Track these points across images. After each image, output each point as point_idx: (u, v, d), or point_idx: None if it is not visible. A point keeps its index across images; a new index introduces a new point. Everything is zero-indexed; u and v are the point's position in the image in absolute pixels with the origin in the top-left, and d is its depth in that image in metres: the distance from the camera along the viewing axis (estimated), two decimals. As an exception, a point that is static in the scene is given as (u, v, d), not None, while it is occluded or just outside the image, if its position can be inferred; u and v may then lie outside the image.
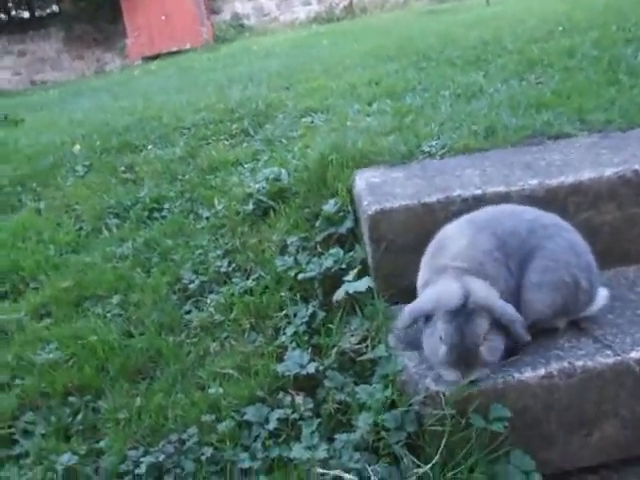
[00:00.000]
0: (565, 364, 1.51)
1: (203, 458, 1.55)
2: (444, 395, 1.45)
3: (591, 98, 2.77)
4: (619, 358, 1.52)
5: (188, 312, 2.15)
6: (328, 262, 1.97)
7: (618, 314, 1.70)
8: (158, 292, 2.22)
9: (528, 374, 1.49)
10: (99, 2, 12.22)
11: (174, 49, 11.59)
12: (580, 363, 1.51)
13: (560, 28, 4.63)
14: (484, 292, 1.48)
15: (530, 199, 1.84)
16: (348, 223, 2.10)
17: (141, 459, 1.57)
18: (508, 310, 1.49)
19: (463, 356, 1.44)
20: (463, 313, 1.44)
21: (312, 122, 3.38)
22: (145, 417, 1.71)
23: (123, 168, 3.29)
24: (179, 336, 2.03)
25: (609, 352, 1.54)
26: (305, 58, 6.35)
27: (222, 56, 9.25)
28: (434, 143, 2.46)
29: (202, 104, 4.10)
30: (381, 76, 4.13)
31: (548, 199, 1.86)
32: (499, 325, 1.48)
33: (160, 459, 1.55)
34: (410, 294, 1.83)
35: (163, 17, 11.70)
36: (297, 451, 1.47)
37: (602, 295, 1.67)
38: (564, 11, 5.58)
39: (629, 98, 2.71)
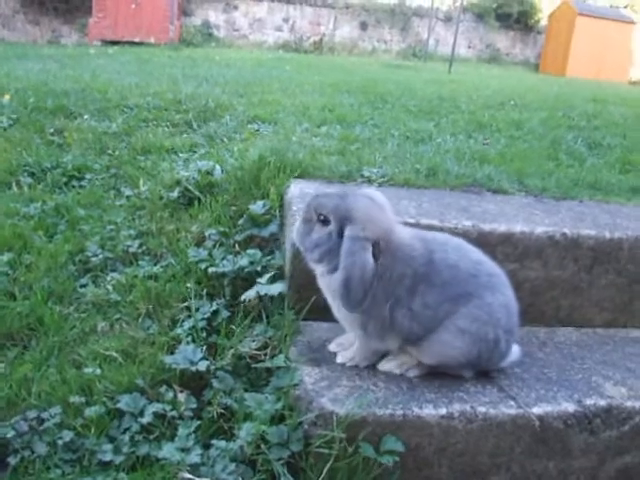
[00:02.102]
0: (467, 407, 1.45)
1: (60, 442, 1.37)
2: (337, 416, 1.35)
3: (532, 166, 2.84)
4: (521, 411, 1.48)
5: (84, 286, 1.96)
6: (243, 261, 1.85)
7: (525, 369, 1.68)
8: (56, 259, 2.02)
9: (428, 411, 1.42)
10: (69, -27, 11.83)
11: (137, 40, 11.30)
12: (482, 409, 1.46)
13: (512, 102, 4.82)
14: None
15: (462, 238, 1.81)
16: (272, 227, 2.00)
17: (-16, 433, 1.36)
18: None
19: None
20: None
21: (258, 130, 3.29)
22: (4, 387, 1.51)
23: (52, 130, 3.06)
24: (67, 308, 1.84)
25: (512, 403, 1.50)
26: (265, 76, 6.31)
27: (184, 57, 9.08)
28: (375, 171, 2.42)
29: (151, 90, 3.94)
30: (336, 105, 4.12)
31: (479, 243, 1.82)
32: None
33: (8, 436, 1.35)
34: (323, 312, 1.75)
35: (133, 5, 11.42)
36: (167, 451, 1.32)
37: (514, 350, 1.64)
38: (519, 91, 5.84)
39: (565, 174, 2.80)
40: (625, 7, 15.76)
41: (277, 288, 1.68)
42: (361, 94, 4.92)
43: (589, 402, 1.57)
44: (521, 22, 14.64)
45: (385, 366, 1.59)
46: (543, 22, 15.01)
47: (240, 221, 2.02)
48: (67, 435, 1.38)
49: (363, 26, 13.74)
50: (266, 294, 1.67)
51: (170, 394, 1.50)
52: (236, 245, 1.96)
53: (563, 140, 3.67)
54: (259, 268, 1.82)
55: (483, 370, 1.61)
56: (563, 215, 2.14)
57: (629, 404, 1.59)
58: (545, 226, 1.95)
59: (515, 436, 1.50)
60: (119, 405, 1.45)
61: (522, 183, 2.54)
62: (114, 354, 1.62)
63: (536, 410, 1.50)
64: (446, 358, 1.53)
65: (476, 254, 1.56)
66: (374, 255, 1.44)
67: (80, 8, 12.06)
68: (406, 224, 1.80)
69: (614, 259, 2.00)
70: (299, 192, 1.99)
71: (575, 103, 5.19)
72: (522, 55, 14.90)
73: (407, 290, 1.48)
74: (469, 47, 14.40)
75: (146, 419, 1.43)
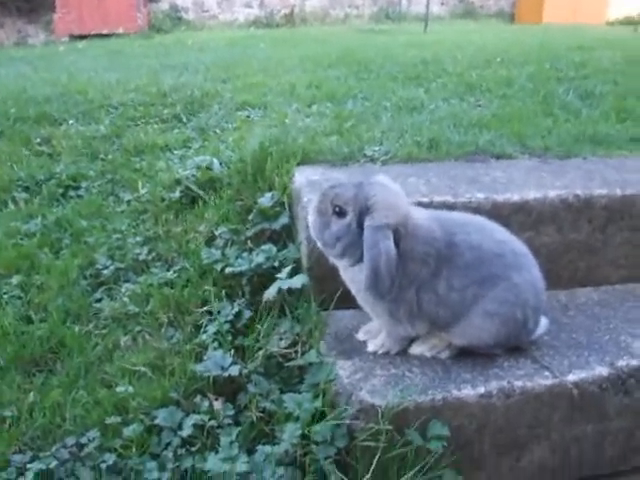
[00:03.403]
0: (504, 383, 1.45)
1: (103, 466, 1.35)
2: (380, 408, 1.35)
3: (530, 125, 2.81)
4: (557, 380, 1.48)
5: (99, 300, 1.93)
6: (259, 258, 1.82)
7: (554, 336, 1.68)
8: (67, 275, 1.98)
9: (467, 391, 1.42)
10: (28, -30, 11.47)
11: (105, 32, 11.03)
12: (519, 383, 1.46)
13: (498, 59, 4.75)
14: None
15: (476, 212, 1.79)
16: (283, 219, 1.96)
17: (28, 465, 1.34)
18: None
19: None
20: None
21: (248, 116, 3.23)
22: (38, 416, 1.49)
23: (39, 140, 2.99)
24: (86, 326, 1.81)
25: (547, 374, 1.50)
26: (242, 57, 6.18)
27: (155, 45, 8.89)
28: (376, 149, 2.38)
29: (132, 85, 3.85)
30: (321, 80, 4.05)
31: (493, 214, 1.80)
32: None
33: (51, 466, 1.33)
34: (344, 300, 1.73)
35: (97, -4, 11.13)
36: (213, 462, 1.31)
37: (542, 324, 1.63)
38: (502, 45, 5.76)
39: (565, 130, 2.77)
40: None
41: (299, 281, 1.65)
42: (343, 66, 4.83)
43: (621, 363, 1.57)
44: (492, -28, 14.39)
45: (416, 350, 1.58)
46: (514, -30, 14.75)
47: (250, 216, 1.98)
48: (109, 458, 1.36)
49: (333, -7, 13.47)
50: (289, 288, 1.64)
51: (206, 403, 1.49)
52: (248, 241, 1.94)
53: (555, 94, 3.63)
54: (276, 263, 1.79)
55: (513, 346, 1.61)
56: (572, 175, 2.11)
57: (661, 361, 1.59)
58: (557, 189, 1.93)
59: (552, 406, 1.50)
60: (157, 421, 1.44)
61: (524, 145, 2.51)
62: (143, 369, 1.60)
63: (571, 378, 1.51)
64: (477, 340, 1.53)
65: (500, 233, 1.54)
66: (395, 242, 1.42)
67: (43, 5, 11.72)
68: (419, 204, 1.78)
69: (627, 216, 1.99)
70: (306, 181, 1.95)
71: (560, 53, 5.13)
72: (496, 6, 14.68)
73: (431, 273, 1.46)
74: (442, 4, 14.16)
75: (186, 432, 1.42)
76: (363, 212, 1.43)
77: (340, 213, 1.46)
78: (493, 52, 5.28)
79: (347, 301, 1.76)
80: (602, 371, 1.54)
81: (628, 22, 13.79)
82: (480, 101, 3.46)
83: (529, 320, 1.53)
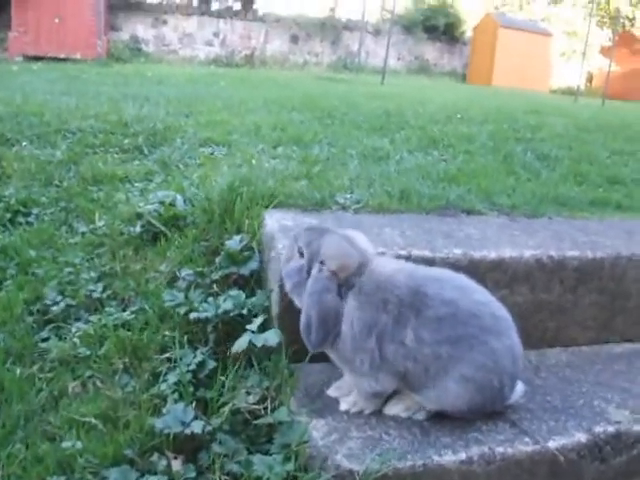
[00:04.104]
0: (485, 449, 1.39)
1: (42, 534, 1.19)
2: (358, 474, 1.25)
3: (495, 182, 2.85)
4: (537, 447, 1.43)
5: (45, 339, 1.76)
6: (227, 304, 1.71)
7: (529, 399, 1.63)
8: (10, 310, 1.81)
9: (448, 457, 1.34)
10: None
11: (62, 55, 10.81)
12: (500, 449, 1.40)
13: (458, 116, 4.88)
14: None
15: (453, 267, 1.75)
16: (253, 264, 1.86)
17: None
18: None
19: None
20: None
21: (212, 153, 3.16)
22: (-34, 471, 1.31)
23: (-13, 161, 2.81)
24: (29, 368, 1.64)
25: (527, 439, 1.44)
26: (204, 93, 6.14)
27: (114, 74, 8.75)
28: (347, 196, 2.34)
29: (92, 111, 3.71)
30: (286, 123, 4.03)
31: (470, 271, 1.77)
32: None
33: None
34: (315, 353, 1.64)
35: (57, 20, 10.93)
36: (171, 533, 1.17)
37: (518, 389, 1.57)
38: (460, 104, 5.94)
39: (529, 189, 2.82)
40: (542, 20, 16.55)
41: (274, 338, 1.54)
42: (306, 110, 4.85)
43: (598, 430, 1.54)
44: (447, 34, 15.09)
45: (392, 410, 1.50)
46: (468, 33, 15.53)
47: (216, 258, 1.87)
48: (51, 524, 1.20)
49: (294, 39, 13.74)
50: (264, 345, 1.53)
51: (163, 462, 1.35)
52: (214, 285, 1.82)
53: (515, 153, 3.73)
54: (244, 311, 1.68)
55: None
56: (542, 235, 2.12)
57: (636, 428, 1.57)
58: (531, 249, 1.92)
59: (532, 473, 1.44)
60: (108, 482, 1.29)
61: (492, 202, 2.52)
62: (93, 420, 1.44)
63: (552, 444, 1.46)
64: (450, 407, 1.46)
65: (480, 294, 1.49)
66: (347, 291, 1.43)
67: (-2, 22, 11.42)
68: (398, 256, 1.73)
69: (597, 278, 2.00)
70: (278, 226, 1.87)
71: (517, 115, 5.33)
72: (449, 65, 15.33)
73: (394, 320, 1.41)
74: (398, 59, 14.67)
75: (140, 495, 1.27)
76: (314, 259, 1.45)
77: (301, 254, 1.49)
78: (453, 109, 5.44)
79: (320, 354, 1.67)
80: (581, 437, 1.50)
81: (569, 92, 14.66)
82: (444, 155, 3.51)
83: (505, 387, 1.47)
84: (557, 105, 7.81)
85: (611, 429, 1.55)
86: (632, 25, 17.40)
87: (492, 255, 1.84)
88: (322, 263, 1.43)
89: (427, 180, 2.74)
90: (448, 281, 1.49)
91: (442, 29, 14.83)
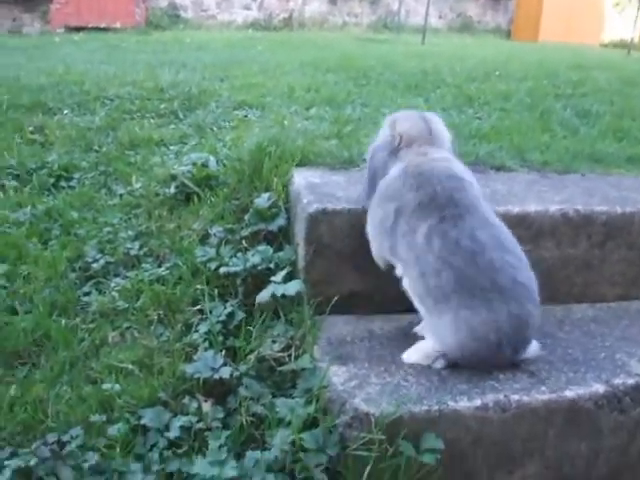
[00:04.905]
0: (501, 397, 1.42)
1: (85, 465, 1.29)
2: (374, 417, 1.31)
3: (528, 139, 2.80)
4: (554, 395, 1.46)
5: (87, 294, 1.88)
6: (255, 259, 1.78)
7: (551, 351, 1.65)
8: (55, 267, 1.93)
9: (463, 403, 1.39)
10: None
11: (102, 25, 10.95)
12: (516, 397, 1.43)
13: (497, 73, 4.77)
14: None
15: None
16: (280, 221, 1.93)
17: (6, 462, 1.28)
18: None
19: None
20: None
21: (246, 116, 3.20)
22: (19, 411, 1.44)
23: (32, 128, 2.93)
24: (73, 320, 1.76)
25: (544, 388, 1.47)
26: (240, 58, 6.16)
27: (153, 41, 8.84)
28: (377, 154, 2.36)
29: (129, 79, 3.81)
30: (320, 85, 4.03)
31: (493, 225, 1.79)
32: None
33: (31, 463, 1.27)
34: (340, 305, 1.71)
35: (96, -11, 11.05)
36: (201, 466, 1.26)
37: (532, 349, 1.57)
38: (500, 59, 5.78)
39: (563, 146, 2.77)
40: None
41: (294, 287, 1.62)
42: (342, 71, 4.82)
43: (617, 381, 1.55)
44: (491, -12, 14.53)
45: (411, 358, 1.56)
46: (513, -13, 14.92)
47: (245, 216, 1.94)
48: (92, 457, 1.31)
49: (333, 0, 13.51)
50: (283, 294, 1.61)
51: (194, 404, 1.45)
52: (243, 241, 1.89)
53: (553, 110, 3.64)
54: (272, 265, 1.76)
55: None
56: (571, 190, 2.10)
57: (657, 381, 1.57)
58: (557, 204, 1.91)
59: (548, 421, 1.48)
60: (143, 421, 1.39)
61: (523, 158, 2.50)
62: (130, 366, 1.55)
63: (568, 393, 1.48)
64: (440, 343, 1.50)
65: (511, 257, 1.49)
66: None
67: (40, -5, 11.63)
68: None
69: (626, 233, 1.97)
70: (305, 182, 1.92)
71: (558, 70, 5.16)
72: (494, 22, 14.81)
73: (417, 206, 1.49)
74: (440, 17, 14.26)
75: (173, 434, 1.37)
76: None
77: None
78: (492, 66, 5.30)
79: (343, 306, 1.74)
80: (599, 388, 1.52)
81: (622, 45, 13.98)
82: (478, 113, 3.46)
83: (505, 348, 1.48)
84: (604, 59, 7.50)
85: (631, 381, 1.56)
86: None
87: (516, 209, 1.84)
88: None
89: (459, 137, 2.71)
90: (490, 223, 1.52)
91: (486, -17, 14.30)
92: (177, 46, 7.99)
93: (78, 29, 10.83)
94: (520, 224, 1.84)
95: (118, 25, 11.01)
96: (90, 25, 11.10)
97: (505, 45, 11.25)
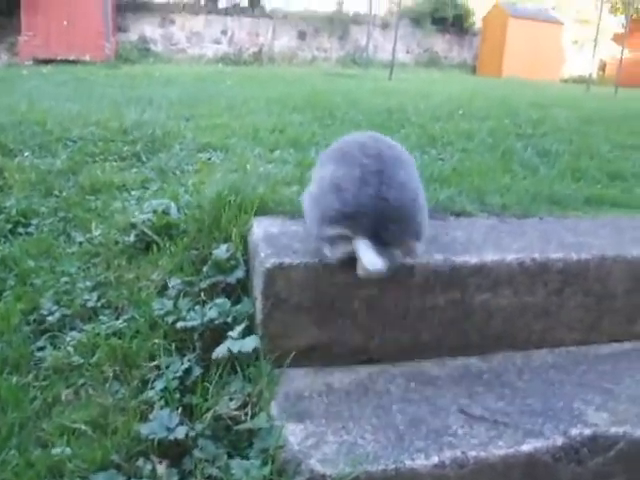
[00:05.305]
0: (458, 453, 1.42)
1: (30, 537, 1.25)
2: (330, 478, 1.30)
3: (489, 181, 2.86)
4: (511, 450, 1.46)
5: (41, 349, 1.83)
6: (212, 313, 1.77)
7: (509, 402, 1.66)
8: (8, 320, 1.88)
9: (420, 462, 1.39)
10: (-5, -9, 11.32)
11: (71, 58, 10.94)
12: (473, 453, 1.43)
13: (460, 111, 4.88)
14: None
15: (434, 274, 1.80)
16: (239, 273, 1.91)
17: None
18: None
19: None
20: None
21: (210, 159, 3.20)
22: (-39, 478, 1.38)
23: (-11, 172, 2.88)
24: (25, 377, 1.71)
25: (502, 443, 1.48)
26: (209, 93, 6.20)
27: (122, 75, 8.85)
28: (338, 201, 2.37)
29: (94, 118, 3.78)
30: (285, 125, 4.07)
31: (452, 276, 1.82)
32: None
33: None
34: (299, 357, 1.70)
35: (65, 22, 11.06)
36: (152, 536, 1.23)
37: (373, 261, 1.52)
38: (465, 97, 5.93)
39: (523, 187, 2.83)
40: (553, 9, 16.35)
41: (250, 344, 1.60)
42: (308, 109, 4.88)
43: (575, 432, 1.57)
44: (456, 25, 14.98)
45: None
46: (478, 24, 15.41)
47: (204, 267, 1.93)
48: (39, 529, 1.27)
49: (302, 35, 13.75)
50: (239, 351, 1.59)
51: (149, 467, 1.41)
52: (202, 293, 1.88)
53: (514, 150, 3.73)
54: (229, 319, 1.74)
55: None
56: (529, 236, 2.15)
57: (613, 430, 1.59)
58: (514, 252, 1.94)
59: (506, 476, 1.48)
60: (94, 487, 1.35)
61: (483, 202, 2.54)
62: (83, 427, 1.51)
63: (525, 447, 1.49)
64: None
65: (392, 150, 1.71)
66: None
67: (9, 26, 11.58)
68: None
69: (582, 280, 2.01)
70: (264, 234, 1.92)
71: (519, 109, 5.31)
72: (459, 57, 15.23)
73: None
74: (407, 52, 14.61)
75: (125, 500, 1.33)
76: None
77: None
78: (456, 104, 5.44)
79: (302, 359, 1.73)
80: (556, 440, 1.53)
81: (582, 81, 14.49)
82: (441, 154, 3.52)
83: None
84: (564, 96, 7.75)
85: (588, 431, 1.58)
86: (645, 11, 17.14)
87: (474, 260, 1.87)
88: None
89: (421, 181, 2.76)
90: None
91: (451, 21, 14.74)
92: (146, 80, 8.00)
93: (47, 61, 10.79)
94: (478, 273, 1.87)
95: (87, 58, 11.02)
96: (59, 57, 11.09)
97: (470, 80, 11.56)
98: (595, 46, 12.84)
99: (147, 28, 12.68)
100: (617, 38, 15.70)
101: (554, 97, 7.33)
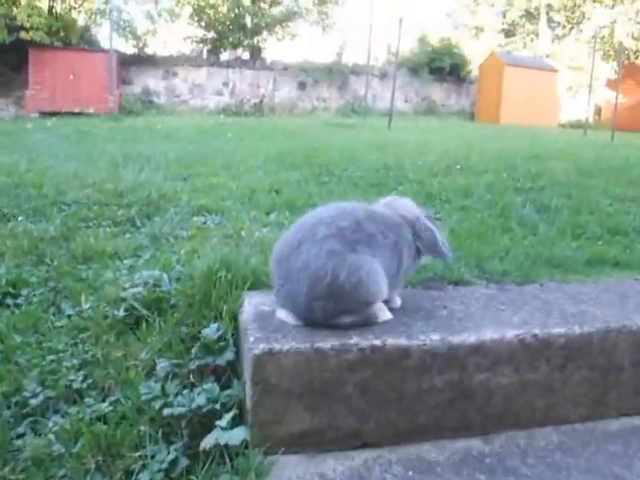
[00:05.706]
0: None
1: None
2: None
3: (488, 244, 2.82)
4: None
5: (21, 436, 1.75)
6: (201, 399, 1.69)
7: (512, 495, 1.57)
8: (-12, 405, 1.81)
9: None
10: (5, 46, 11.58)
11: (76, 110, 11.15)
12: None
13: (458, 166, 4.88)
14: None
15: (431, 355, 1.73)
16: (228, 355, 1.84)
17: None
18: None
19: None
20: None
21: (204, 223, 3.18)
22: None
23: (-18, 238, 2.85)
24: (1, 470, 1.62)
25: None
26: (208, 149, 6.24)
27: (124, 128, 8.98)
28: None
29: (90, 179, 3.79)
30: (282, 184, 4.06)
31: (449, 356, 1.75)
32: None
33: None
34: (290, 444, 1.62)
35: (71, 76, 11.31)
36: None
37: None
38: (461, 152, 5.95)
39: (522, 249, 2.79)
40: (547, 57, 16.70)
41: (239, 435, 1.52)
42: (306, 167, 4.90)
43: (583, 530, 1.47)
44: (453, 74, 15.26)
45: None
46: (474, 73, 15.69)
47: (193, 348, 1.86)
48: None
49: (302, 86, 13.99)
50: (227, 443, 1.51)
51: None
52: (191, 375, 1.81)
53: (513, 205, 3.71)
54: (217, 405, 1.66)
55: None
56: (530, 307, 2.08)
57: (624, 527, 1.50)
58: (515, 328, 1.88)
59: None
60: None
61: (482, 269, 2.49)
62: (59, 530, 1.42)
63: None
64: None
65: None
66: None
67: (17, 80, 11.84)
68: (373, 348, 1.70)
69: (586, 354, 1.94)
70: (254, 313, 1.86)
71: (517, 162, 5.33)
72: (457, 105, 15.45)
73: None
74: (405, 101, 14.83)
75: None
76: None
77: None
78: (454, 158, 5.45)
79: (294, 445, 1.65)
80: (564, 540, 1.44)
81: (578, 125, 14.67)
82: (438, 214, 3.49)
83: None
84: (562, 142, 7.79)
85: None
86: (637, 57, 17.47)
87: (472, 339, 1.80)
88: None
89: (418, 247, 2.72)
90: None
91: (448, 70, 15.02)
92: (147, 134, 8.10)
93: (52, 114, 10.98)
94: (477, 352, 1.79)
95: (92, 110, 11.23)
96: (64, 110, 11.30)
97: (468, 128, 11.68)
98: (590, 92, 13.03)
99: (150, 81, 12.93)
100: (610, 84, 15.97)
101: (552, 146, 7.36)
